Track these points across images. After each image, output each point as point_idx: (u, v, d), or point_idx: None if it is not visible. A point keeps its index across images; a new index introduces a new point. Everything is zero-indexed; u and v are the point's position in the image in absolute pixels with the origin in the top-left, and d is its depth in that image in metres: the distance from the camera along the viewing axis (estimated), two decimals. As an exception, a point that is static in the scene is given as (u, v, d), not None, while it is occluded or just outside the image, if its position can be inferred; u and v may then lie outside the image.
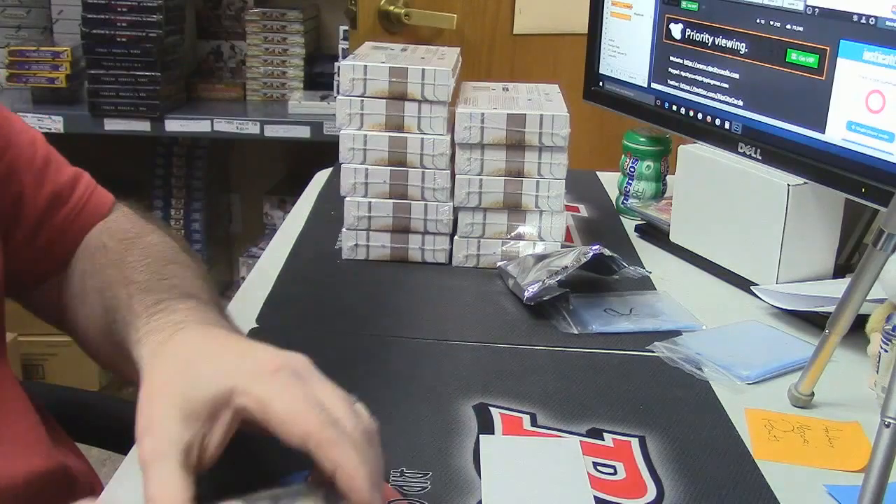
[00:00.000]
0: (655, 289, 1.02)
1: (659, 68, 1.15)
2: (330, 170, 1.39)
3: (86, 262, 0.79)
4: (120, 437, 0.69)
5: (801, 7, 0.94)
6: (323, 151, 1.84)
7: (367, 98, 1.02)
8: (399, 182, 1.04)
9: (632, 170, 1.26)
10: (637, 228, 1.21)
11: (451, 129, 1.03)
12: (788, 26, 0.96)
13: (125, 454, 0.69)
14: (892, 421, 0.57)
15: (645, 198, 1.25)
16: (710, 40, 1.06)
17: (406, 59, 1.05)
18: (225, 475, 0.57)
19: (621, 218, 1.27)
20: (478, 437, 0.71)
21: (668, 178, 1.26)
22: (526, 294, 0.94)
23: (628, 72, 1.21)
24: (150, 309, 0.66)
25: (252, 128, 2.25)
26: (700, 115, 1.10)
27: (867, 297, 0.71)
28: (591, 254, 0.94)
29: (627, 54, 1.21)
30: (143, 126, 2.23)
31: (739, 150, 1.04)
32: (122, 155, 2.48)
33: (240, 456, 0.58)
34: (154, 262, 0.74)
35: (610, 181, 1.38)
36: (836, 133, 0.93)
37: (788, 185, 0.97)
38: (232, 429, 0.55)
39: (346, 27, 2.19)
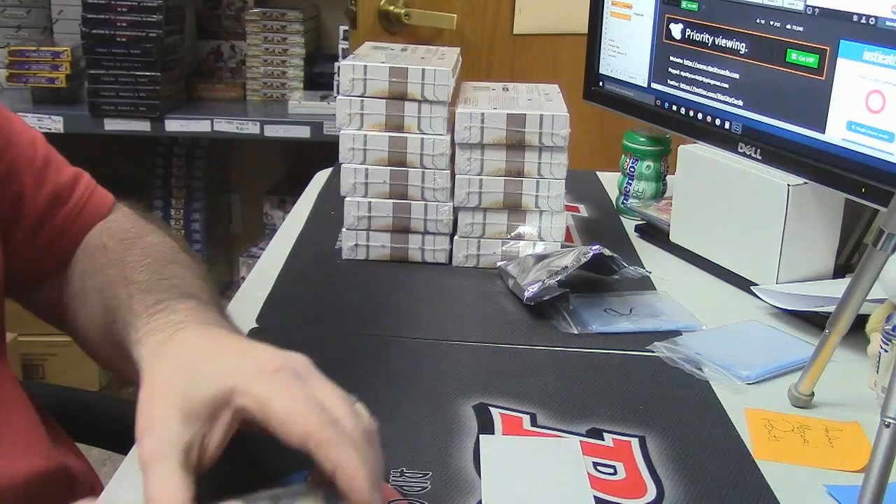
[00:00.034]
0: (655, 289, 1.02)
1: (659, 68, 1.15)
2: (330, 170, 1.39)
3: (86, 262, 0.79)
4: (120, 437, 0.69)
5: (801, 7, 0.94)
6: (323, 151, 1.84)
7: (367, 98, 1.02)
8: (399, 182, 1.04)
9: (632, 170, 1.26)
10: (637, 228, 1.21)
11: (451, 129, 1.03)
12: (788, 26, 0.96)
13: (125, 454, 0.69)
14: (892, 421, 0.57)
15: (645, 198, 1.25)
16: (710, 40, 1.06)
17: (406, 59, 1.05)
18: (225, 475, 0.57)
19: (621, 218, 1.27)
20: (478, 437, 0.71)
21: (668, 178, 1.26)
22: (526, 294, 0.94)
23: (628, 72, 1.21)
24: (150, 309, 0.66)
25: (252, 128, 2.25)
26: (700, 115, 1.10)
27: (867, 297, 0.71)
28: (591, 254, 0.94)
29: (627, 54, 1.21)
30: (143, 126, 2.23)
31: (739, 150, 1.04)
32: (122, 155, 2.48)
33: (240, 456, 0.58)
34: (154, 262, 0.74)
35: (610, 181, 1.38)
36: (836, 133, 0.93)
37: (788, 185, 0.97)
38: (232, 429, 0.55)
39: (346, 27, 2.19)
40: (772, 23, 0.98)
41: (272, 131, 2.25)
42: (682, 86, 1.12)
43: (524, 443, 0.72)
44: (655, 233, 1.17)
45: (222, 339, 0.62)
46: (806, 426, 0.75)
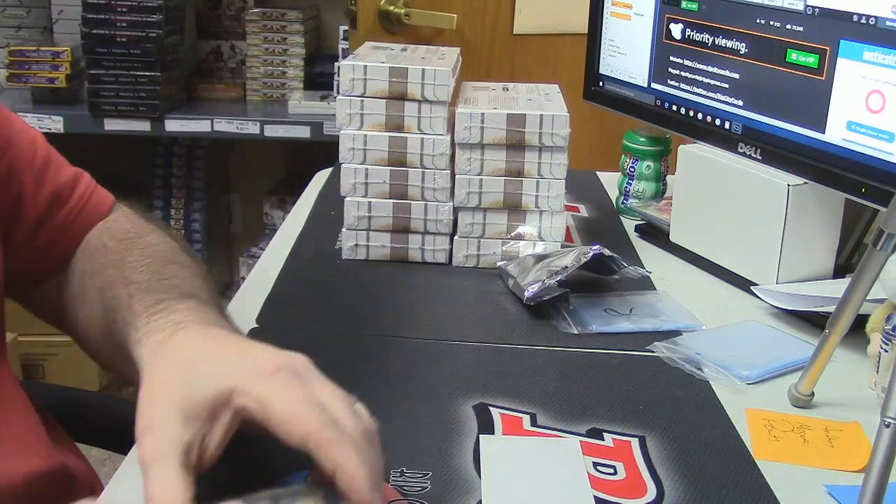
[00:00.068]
0: (655, 289, 1.02)
1: (659, 68, 1.15)
2: (330, 170, 1.39)
3: (86, 262, 0.79)
4: (120, 437, 0.69)
5: (801, 7, 0.94)
6: (323, 151, 1.84)
7: (367, 98, 1.02)
8: (399, 182, 1.04)
9: (632, 170, 1.26)
10: (637, 228, 1.21)
11: (451, 129, 1.03)
12: (788, 26, 0.96)
13: (125, 454, 0.69)
14: (892, 421, 0.57)
15: (645, 198, 1.25)
16: (710, 40, 1.06)
17: (406, 59, 1.05)
18: (225, 475, 0.57)
19: (621, 218, 1.27)
20: (478, 437, 0.71)
21: (668, 178, 1.26)
22: (526, 294, 0.94)
23: (628, 72, 1.21)
24: (150, 309, 0.66)
25: (252, 128, 2.25)
26: (700, 115, 1.10)
27: (867, 297, 0.71)
28: (591, 254, 0.94)
29: (627, 54, 1.21)
30: (143, 126, 2.23)
31: (739, 150, 1.04)
32: (122, 155, 2.48)
33: (240, 456, 0.58)
34: (154, 262, 0.74)
35: (610, 181, 1.38)
36: (836, 133, 0.93)
37: (788, 185, 0.97)
38: (232, 429, 0.55)
39: (346, 27, 2.19)
40: (772, 23, 0.98)
41: (272, 131, 2.25)
42: (682, 86, 1.12)
43: (524, 443, 0.72)
44: (655, 233, 1.17)
45: (222, 339, 0.62)
46: (806, 426, 0.75)
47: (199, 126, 2.25)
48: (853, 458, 0.70)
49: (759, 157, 1.01)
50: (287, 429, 0.53)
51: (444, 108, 1.02)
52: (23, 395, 0.77)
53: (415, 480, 0.65)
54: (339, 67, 1.53)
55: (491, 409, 0.76)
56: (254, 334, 0.87)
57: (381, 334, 0.90)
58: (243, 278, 2.42)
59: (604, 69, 1.26)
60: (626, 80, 1.22)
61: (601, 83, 1.27)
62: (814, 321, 0.92)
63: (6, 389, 0.75)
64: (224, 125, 2.24)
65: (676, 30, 1.11)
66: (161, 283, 0.70)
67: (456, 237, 1.06)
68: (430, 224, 1.05)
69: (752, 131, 1.03)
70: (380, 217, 1.05)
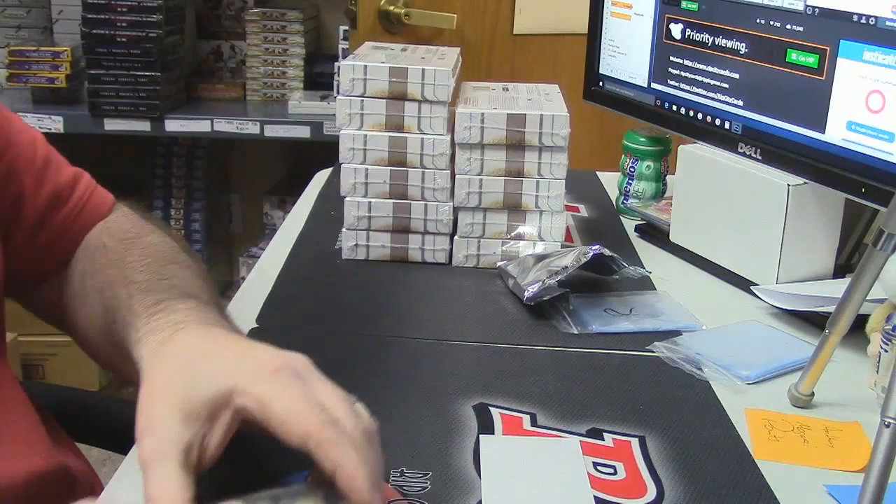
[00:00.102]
0: (655, 289, 1.02)
1: (659, 68, 1.15)
2: (330, 170, 1.39)
3: (86, 262, 0.79)
4: (120, 437, 0.69)
5: (801, 7, 0.94)
6: (323, 151, 1.84)
7: (367, 98, 1.02)
8: (399, 182, 1.04)
9: (632, 170, 1.26)
10: (637, 228, 1.21)
11: (451, 129, 1.03)
12: (788, 26, 0.96)
13: (125, 454, 0.69)
14: (892, 421, 0.57)
15: (645, 198, 1.25)
16: (710, 40, 1.06)
17: (406, 59, 1.05)
18: (225, 475, 0.57)
19: (621, 218, 1.27)
20: (478, 437, 0.71)
21: (668, 178, 1.26)
22: (526, 294, 0.94)
23: (628, 72, 1.21)
24: (150, 309, 0.66)
25: (252, 128, 2.25)
26: (700, 115, 1.10)
27: (867, 297, 0.71)
28: (591, 254, 0.94)
29: (627, 54, 1.21)
30: (143, 126, 2.23)
31: (739, 150, 1.04)
32: (122, 155, 2.48)
33: (240, 456, 0.58)
34: (154, 262, 0.74)
35: (610, 181, 1.38)
36: (836, 133, 0.93)
37: (788, 185, 0.97)
38: (232, 429, 0.55)
39: (346, 27, 2.19)
40: (772, 23, 0.98)
41: (272, 131, 2.25)
42: (682, 86, 1.12)
43: (524, 443, 0.72)
44: (655, 233, 1.17)
45: (222, 339, 0.62)
46: (806, 426, 0.75)
47: (199, 126, 2.25)
48: (853, 458, 0.70)
49: (759, 157, 1.01)
50: (287, 429, 0.53)
51: (444, 108, 1.02)
52: (23, 395, 0.77)
53: (415, 480, 0.65)
54: (339, 67, 1.53)
55: (491, 409, 0.76)
56: (254, 334, 0.87)
57: (381, 334, 0.90)
58: (243, 278, 2.42)
59: (604, 69, 1.26)
60: (626, 80, 1.22)
61: (601, 83, 1.27)
62: (814, 321, 0.92)
63: (6, 389, 0.75)
64: (224, 125, 2.24)
65: (676, 30, 1.11)
66: (161, 283, 0.70)
67: (456, 237, 1.06)
68: (430, 224, 1.05)
69: (752, 131, 1.03)
70: (380, 217, 1.05)
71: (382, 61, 1.02)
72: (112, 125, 2.22)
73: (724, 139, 1.06)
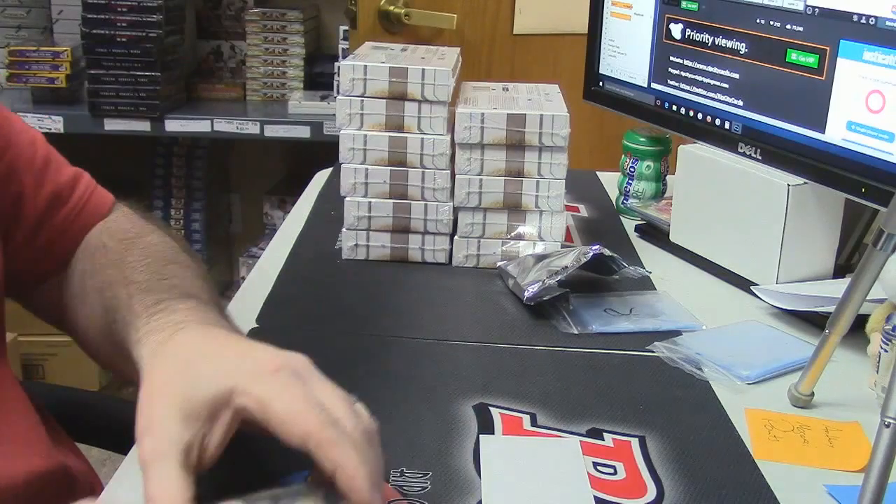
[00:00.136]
0: (655, 289, 1.02)
1: (659, 68, 1.15)
2: (330, 170, 1.39)
3: (86, 262, 0.79)
4: (120, 437, 0.69)
5: (801, 7, 0.94)
6: (323, 151, 1.84)
7: (367, 98, 1.02)
8: (399, 182, 1.04)
9: (632, 170, 1.26)
10: (637, 228, 1.21)
11: (451, 129, 1.03)
12: (788, 26, 0.96)
13: (125, 454, 0.69)
14: (892, 421, 0.57)
15: (645, 198, 1.25)
16: (710, 40, 1.06)
17: (406, 59, 1.05)
18: (225, 475, 0.57)
19: (621, 218, 1.27)
20: (478, 437, 0.71)
21: (668, 178, 1.26)
22: (526, 294, 0.94)
23: (628, 72, 1.21)
24: (150, 309, 0.66)
25: (252, 128, 2.25)
26: (700, 115, 1.10)
27: (867, 297, 0.71)
28: (591, 254, 0.94)
29: (627, 54, 1.21)
30: (143, 126, 2.23)
31: (739, 150, 1.04)
32: (122, 155, 2.48)
33: (240, 456, 0.58)
34: (154, 262, 0.74)
35: (610, 181, 1.38)
36: (836, 133, 0.93)
37: (788, 185, 0.97)
38: (232, 429, 0.55)
39: (346, 27, 2.19)
40: (772, 23, 0.98)
41: (272, 131, 2.25)
42: (682, 86, 1.12)
43: (524, 443, 0.72)
44: (655, 233, 1.17)
45: (222, 339, 0.62)
46: (806, 426, 0.75)
47: (199, 126, 2.25)
48: (853, 458, 0.70)
49: (759, 157, 1.01)
50: (287, 429, 0.53)
51: (444, 108, 1.02)
52: (23, 395, 0.77)
53: (415, 480, 0.65)
54: (339, 67, 1.53)
55: (491, 409, 0.76)
56: (254, 334, 0.87)
57: (381, 334, 0.90)
58: (243, 278, 2.42)
59: (604, 69, 1.26)
60: (626, 80, 1.22)
61: (601, 83, 1.27)
62: (814, 321, 0.92)
63: (6, 389, 0.75)
64: (224, 125, 2.24)
65: (676, 30, 1.11)
66: (161, 283, 0.70)
67: (456, 237, 1.06)
68: (430, 224, 1.05)
69: (752, 131, 1.03)
70: (380, 217, 1.05)
71: (382, 61, 1.02)
72: (112, 125, 2.22)
73: (724, 139, 1.06)
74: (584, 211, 1.29)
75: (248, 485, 0.54)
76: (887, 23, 0.85)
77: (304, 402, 0.54)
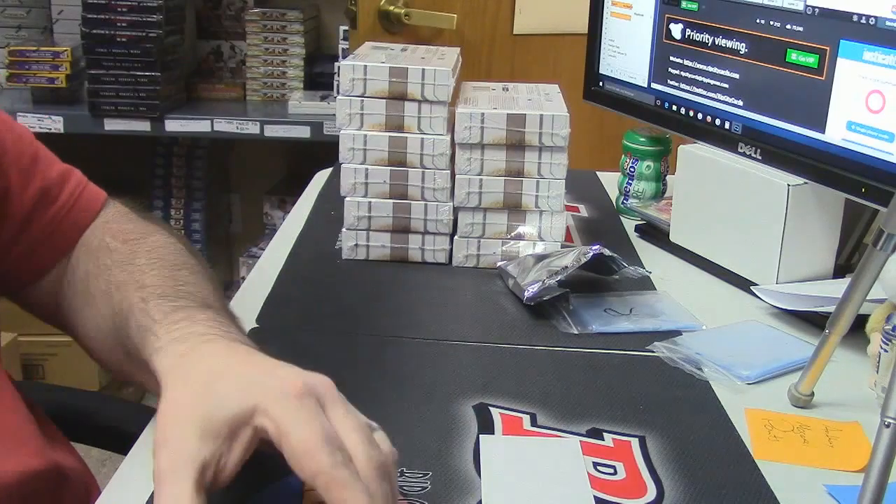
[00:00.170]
0: (655, 289, 1.02)
1: (659, 68, 1.15)
2: (330, 170, 1.39)
3: (89, 263, 0.78)
4: (120, 438, 0.69)
5: (801, 7, 0.94)
6: (323, 151, 1.84)
7: (367, 98, 1.02)
8: (399, 182, 1.04)
9: (632, 170, 1.26)
10: (637, 228, 1.21)
11: (451, 129, 1.03)
12: (788, 26, 0.96)
13: (125, 454, 0.69)
14: (892, 421, 0.57)
15: (645, 198, 1.25)
16: (710, 40, 1.06)
17: (406, 59, 1.05)
18: (236, 495, 0.57)
19: (621, 218, 1.27)
20: (478, 437, 0.71)
21: (668, 178, 1.26)
22: (526, 294, 0.94)
23: (628, 72, 1.21)
24: (169, 316, 0.65)
25: (252, 128, 2.25)
26: (700, 115, 1.10)
27: (867, 297, 0.71)
28: (591, 254, 0.94)
29: (627, 54, 1.21)
30: (143, 126, 2.23)
31: (739, 150, 1.04)
32: (122, 155, 2.48)
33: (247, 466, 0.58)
34: (163, 264, 0.73)
35: (610, 181, 1.38)
36: (836, 133, 0.93)
37: (788, 185, 0.97)
38: (251, 448, 0.54)
39: (346, 27, 2.19)
40: (772, 23, 0.98)
41: (272, 131, 2.25)
42: (682, 86, 1.12)
43: (524, 443, 0.72)
44: (655, 233, 1.17)
45: (244, 355, 0.60)
46: (806, 426, 0.75)
47: (199, 126, 2.25)
48: (853, 458, 0.70)
49: (759, 157, 1.01)
50: (299, 463, 0.52)
51: (444, 108, 1.02)
52: (15, 394, 0.76)
53: (415, 480, 0.65)
54: (339, 67, 1.53)
55: (491, 409, 0.76)
56: (254, 334, 0.87)
57: (380, 334, 0.90)
58: (243, 278, 2.42)
59: (604, 69, 1.26)
60: (626, 80, 1.22)
61: (601, 83, 1.27)
62: (814, 321, 0.92)
63: (-2, 388, 0.75)
64: (224, 125, 2.24)
65: (676, 30, 1.11)
66: (177, 289, 0.69)
67: (456, 237, 1.06)
68: (430, 224, 1.05)
69: (752, 131, 1.03)
70: (380, 217, 1.05)
71: (382, 61, 1.02)
72: (112, 125, 2.22)
73: (724, 139, 1.06)
74: (584, 211, 1.29)
75: (249, 485, 0.54)
76: (887, 23, 0.85)
77: (320, 439, 0.52)
